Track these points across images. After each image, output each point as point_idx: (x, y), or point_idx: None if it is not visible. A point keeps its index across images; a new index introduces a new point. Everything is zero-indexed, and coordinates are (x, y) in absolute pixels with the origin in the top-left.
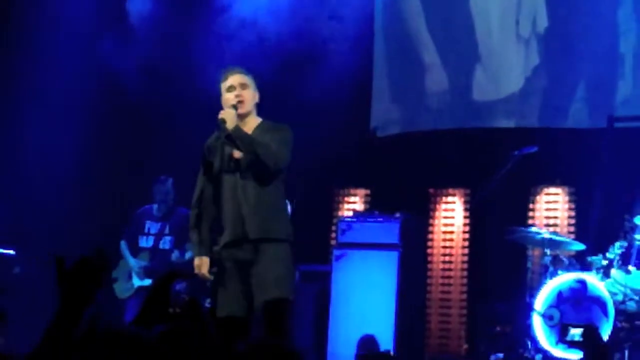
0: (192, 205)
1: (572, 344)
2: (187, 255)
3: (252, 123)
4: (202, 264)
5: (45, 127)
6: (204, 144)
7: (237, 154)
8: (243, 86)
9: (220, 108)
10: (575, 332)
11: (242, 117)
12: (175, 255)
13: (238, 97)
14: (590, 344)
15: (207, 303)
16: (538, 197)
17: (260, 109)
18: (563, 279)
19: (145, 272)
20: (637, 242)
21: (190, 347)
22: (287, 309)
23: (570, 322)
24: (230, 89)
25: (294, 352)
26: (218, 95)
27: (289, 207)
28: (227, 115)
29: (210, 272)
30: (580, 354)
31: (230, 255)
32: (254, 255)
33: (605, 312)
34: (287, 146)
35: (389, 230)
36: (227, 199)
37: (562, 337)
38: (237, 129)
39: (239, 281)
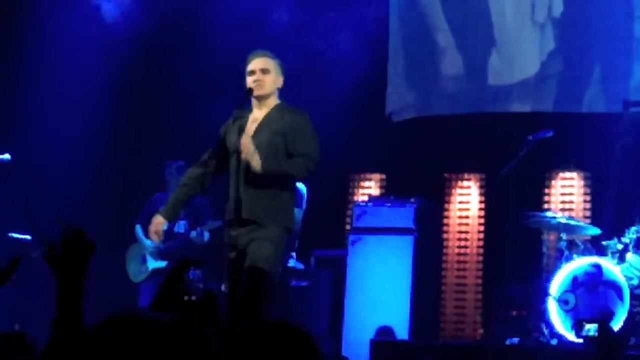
0: (188, 170)
1: (587, 340)
2: (206, 236)
3: (270, 105)
4: (157, 222)
5: (58, 112)
6: (220, 128)
7: (242, 154)
8: (264, 71)
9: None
10: (590, 327)
11: (259, 99)
12: (194, 234)
13: (256, 82)
14: (604, 338)
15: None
16: (553, 182)
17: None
18: (578, 264)
19: (160, 253)
20: None
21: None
22: (263, 284)
23: (584, 317)
24: (251, 73)
25: (301, 331)
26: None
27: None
28: (250, 154)
29: None
30: None
31: (229, 234)
32: (247, 235)
33: (620, 297)
34: (315, 143)
35: (404, 215)
36: (231, 179)
37: (577, 333)
38: (268, 164)
39: (234, 259)
